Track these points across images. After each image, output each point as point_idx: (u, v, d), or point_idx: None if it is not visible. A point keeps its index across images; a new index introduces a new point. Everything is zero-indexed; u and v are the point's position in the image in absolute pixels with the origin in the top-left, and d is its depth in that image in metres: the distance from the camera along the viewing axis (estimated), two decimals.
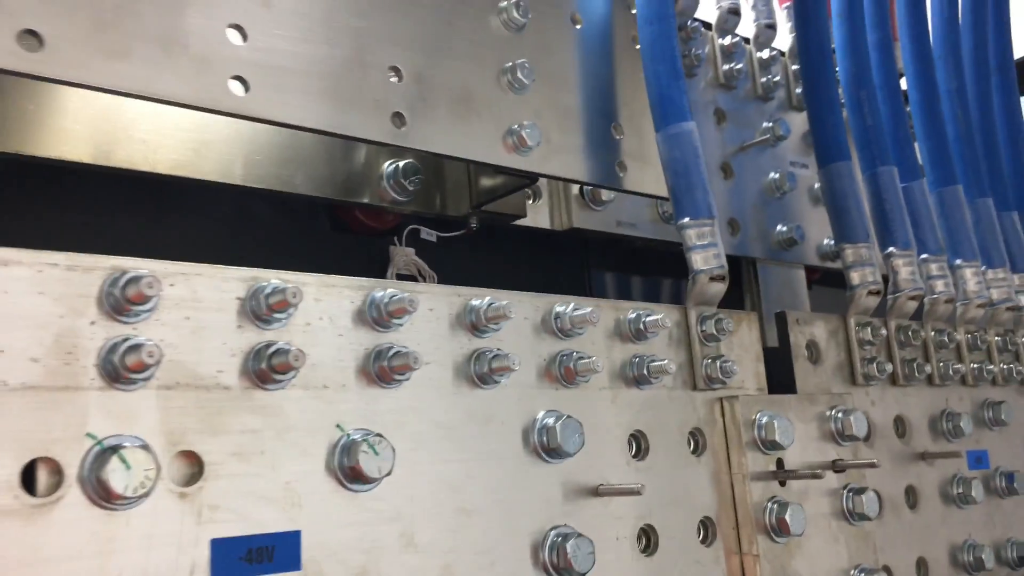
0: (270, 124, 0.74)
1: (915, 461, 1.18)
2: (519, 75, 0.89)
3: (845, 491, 1.01)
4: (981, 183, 1.41)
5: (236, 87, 0.71)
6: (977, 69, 1.49)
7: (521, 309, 0.80)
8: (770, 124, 1.45)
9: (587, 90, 0.99)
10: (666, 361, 0.86)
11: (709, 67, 1.43)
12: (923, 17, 1.38)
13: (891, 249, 1.20)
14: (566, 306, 0.82)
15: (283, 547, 0.60)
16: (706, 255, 0.93)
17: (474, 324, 0.75)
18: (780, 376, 1.07)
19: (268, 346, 0.61)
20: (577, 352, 0.81)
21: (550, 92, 0.94)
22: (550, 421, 0.78)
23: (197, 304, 0.61)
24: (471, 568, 0.71)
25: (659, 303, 0.95)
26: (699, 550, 0.89)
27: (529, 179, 0.95)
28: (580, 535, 0.76)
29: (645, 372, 0.87)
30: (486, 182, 1.01)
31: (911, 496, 1.16)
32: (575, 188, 1.15)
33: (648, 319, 0.87)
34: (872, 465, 1.00)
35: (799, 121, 1.50)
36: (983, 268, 1.38)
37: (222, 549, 0.57)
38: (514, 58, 0.90)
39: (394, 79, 0.81)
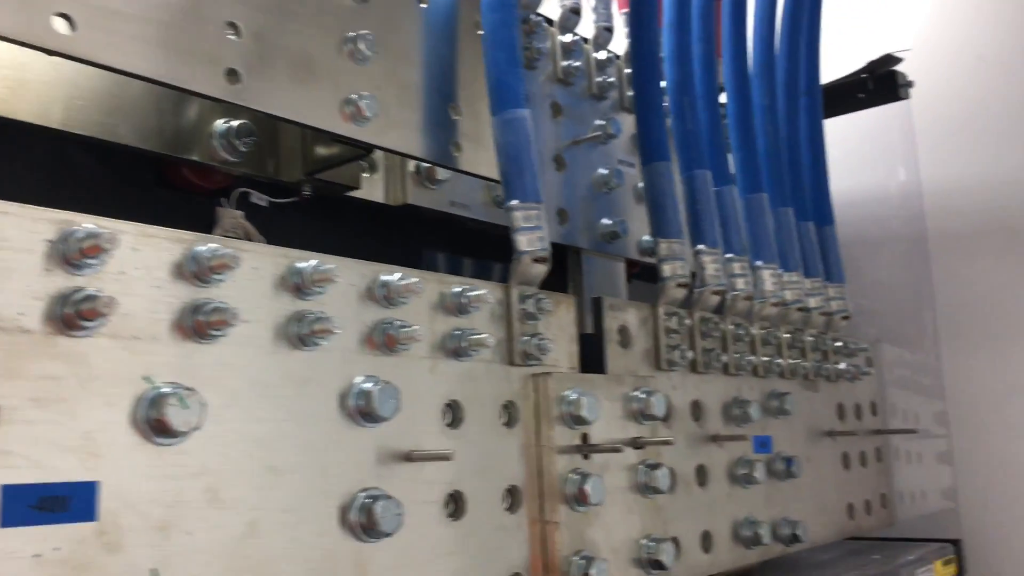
0: (96, 67, 0.71)
1: (707, 443, 1.29)
2: (361, 46, 0.90)
3: (642, 466, 1.09)
4: (784, 193, 1.55)
5: (60, 24, 0.68)
6: (788, 90, 1.63)
7: (347, 275, 0.81)
8: (602, 122, 1.53)
9: (428, 69, 1.01)
10: (485, 335, 0.90)
11: (549, 62, 1.48)
12: (743, 37, 1.50)
13: (700, 247, 1.30)
14: (392, 275, 0.84)
15: (79, 497, 0.59)
16: (531, 237, 0.98)
17: (298, 286, 0.76)
18: (593, 357, 1.13)
19: (76, 291, 0.60)
20: (400, 321, 0.83)
21: (391, 66, 0.95)
22: (368, 386, 0.80)
23: (1, 244, 0.58)
24: (277, 526, 0.72)
25: (486, 281, 0.98)
26: (504, 516, 0.94)
27: (364, 150, 0.96)
28: (389, 497, 0.79)
29: (464, 345, 0.90)
30: (321, 150, 1.01)
31: (701, 474, 1.27)
32: (411, 165, 1.17)
33: (471, 294, 0.91)
34: (667, 443, 1.08)
35: (629, 122, 1.59)
36: (780, 271, 1.52)
37: (13, 495, 0.56)
38: (358, 29, 0.91)
39: (232, 35, 0.80)
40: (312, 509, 0.75)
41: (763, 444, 1.42)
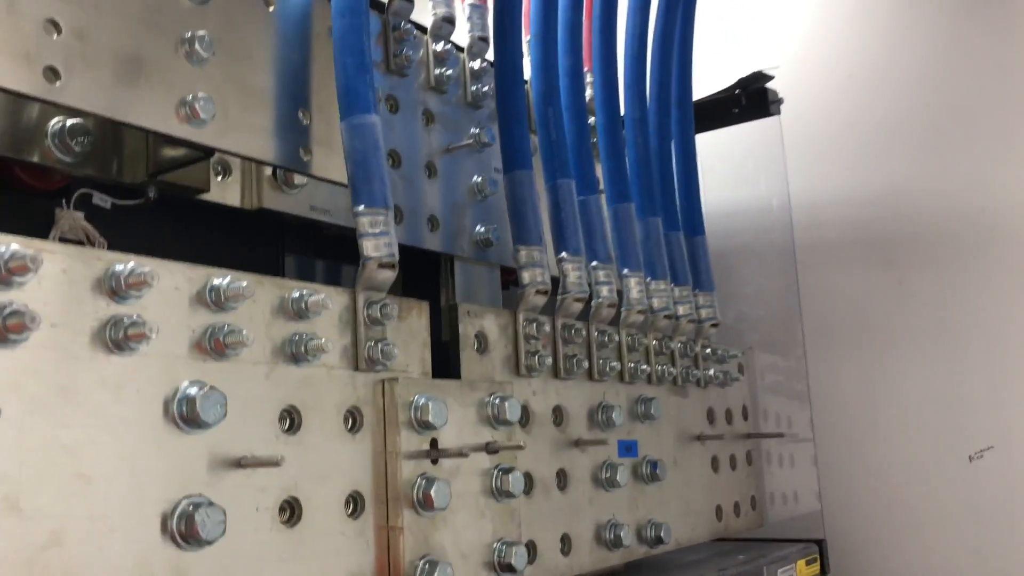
0: None
1: (569, 447, 1.31)
2: (197, 47, 0.89)
3: (496, 471, 1.10)
4: (653, 204, 1.59)
5: None
6: (660, 103, 1.67)
7: (171, 279, 0.80)
8: (477, 131, 1.54)
9: (276, 72, 1.00)
10: (324, 340, 0.90)
11: (422, 69, 1.49)
12: (613, 51, 1.53)
13: (563, 254, 1.32)
14: (223, 279, 0.83)
15: None
16: (377, 242, 0.98)
17: (114, 289, 0.74)
18: (450, 364, 1.14)
19: None
20: (229, 325, 0.82)
21: (233, 68, 0.94)
22: (192, 391, 0.78)
23: None
24: (86, 534, 0.70)
25: (339, 287, 0.98)
26: (345, 523, 0.93)
27: (204, 152, 0.94)
28: (211, 504, 0.78)
29: (303, 350, 0.89)
30: (166, 152, 0.99)
31: (562, 478, 1.29)
32: (268, 169, 1.15)
33: (311, 299, 0.90)
34: (519, 447, 1.09)
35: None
36: (648, 279, 1.56)
37: None
38: (194, 29, 0.90)
39: (52, 33, 0.78)
40: (128, 517, 0.73)
41: (628, 448, 1.45)
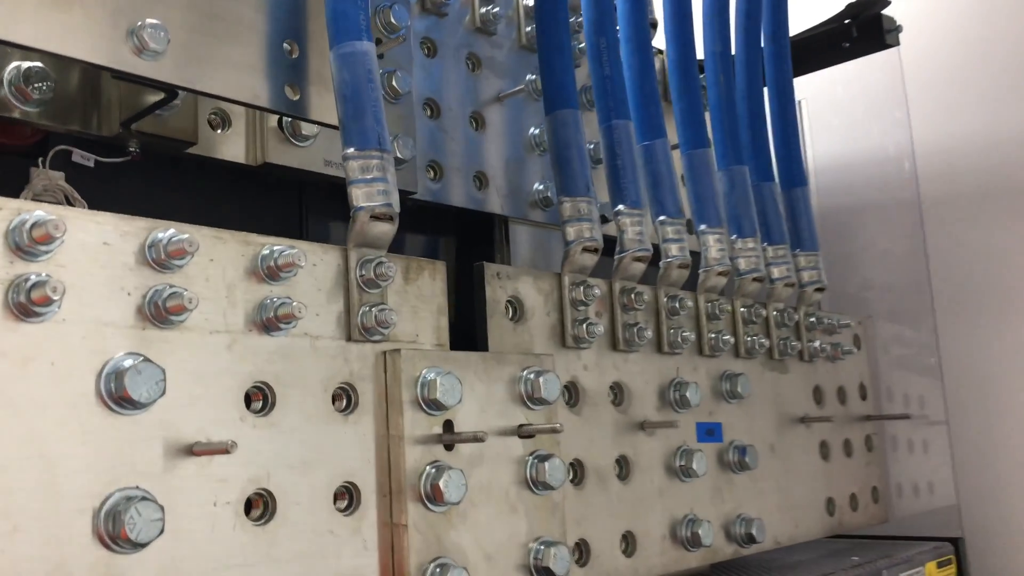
0: None
1: (632, 430, 1.12)
2: None
3: (531, 458, 0.94)
4: (738, 150, 1.37)
5: None
6: (747, 35, 1.45)
7: (101, 234, 0.67)
8: (534, 76, 1.37)
9: (256, 5, 0.87)
10: (295, 303, 0.76)
11: (467, 9, 1.33)
12: None
13: (620, 207, 1.13)
14: (165, 233, 0.70)
15: None
16: (370, 190, 0.83)
17: (20, 246, 0.63)
18: (474, 334, 0.99)
19: None
20: (172, 287, 0.69)
21: None
22: (125, 364, 0.66)
23: None
24: None
25: (325, 243, 0.84)
26: (334, 519, 0.79)
27: (163, 91, 0.82)
28: (145, 498, 0.65)
29: (274, 316, 0.76)
30: (134, 97, 0.88)
31: (623, 466, 1.11)
32: (273, 119, 1.03)
33: (282, 255, 0.76)
34: (554, 430, 0.92)
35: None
36: (732, 237, 1.35)
37: None
38: None
39: None
40: (39, 515, 0.62)
41: (710, 432, 1.25)
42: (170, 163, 1.02)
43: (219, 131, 1.00)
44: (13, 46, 0.70)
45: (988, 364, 1.71)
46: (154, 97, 0.88)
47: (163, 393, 0.67)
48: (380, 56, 1.14)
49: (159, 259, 0.70)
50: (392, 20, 1.10)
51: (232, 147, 1.02)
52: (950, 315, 1.76)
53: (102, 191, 0.96)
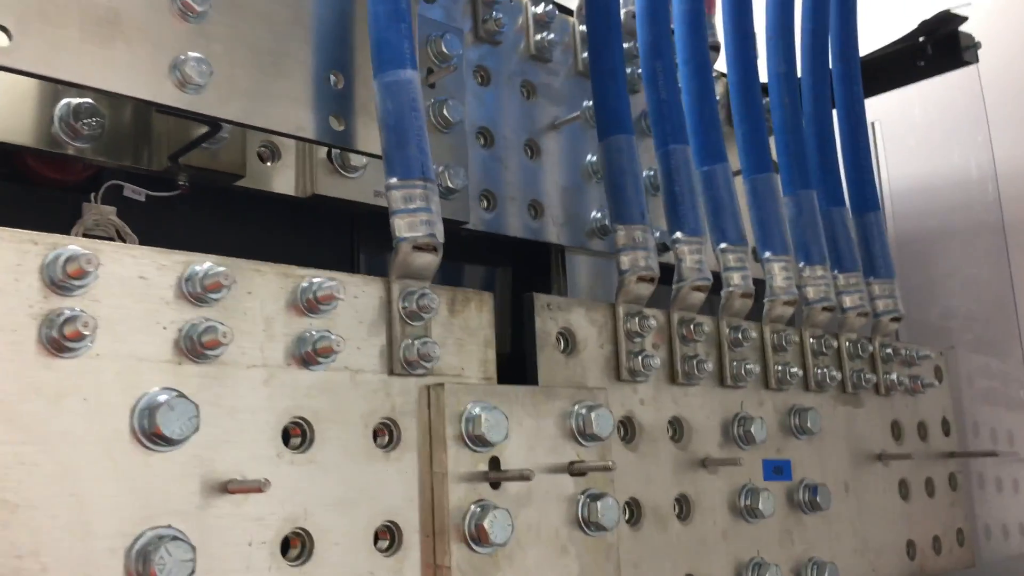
0: None
1: (693, 468, 1.07)
2: (191, 1, 0.77)
3: (583, 497, 0.90)
4: (806, 174, 1.32)
5: None
6: (813, 54, 1.40)
7: (137, 267, 0.67)
8: (589, 103, 1.34)
9: (297, 30, 0.87)
10: (334, 337, 0.74)
11: (521, 36, 1.32)
12: None
13: (677, 234, 1.09)
14: (201, 267, 0.69)
15: None
16: (412, 220, 0.81)
17: (54, 281, 0.62)
18: (526, 367, 0.95)
19: None
20: (207, 321, 0.68)
21: (237, 25, 0.81)
22: (159, 399, 0.65)
23: None
24: (10, 573, 0.58)
25: (368, 276, 0.82)
26: (375, 559, 0.77)
27: (207, 124, 0.82)
28: (177, 538, 0.63)
29: (312, 350, 0.74)
30: (180, 130, 0.88)
31: (683, 506, 1.05)
32: (322, 150, 1.02)
33: (322, 288, 0.75)
34: (606, 467, 0.88)
35: (634, 102, 1.39)
36: (801, 264, 1.29)
37: None
38: None
39: None
40: (68, 553, 0.61)
41: (778, 470, 1.19)
42: (222, 196, 1.02)
43: (269, 163, 1.00)
44: (56, 81, 0.71)
45: None
46: (200, 131, 0.88)
47: (196, 429, 0.66)
48: (432, 86, 1.13)
49: (196, 293, 0.69)
50: (444, 49, 1.10)
51: (282, 179, 1.01)
52: None
53: (154, 225, 0.97)
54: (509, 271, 1.37)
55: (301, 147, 1.02)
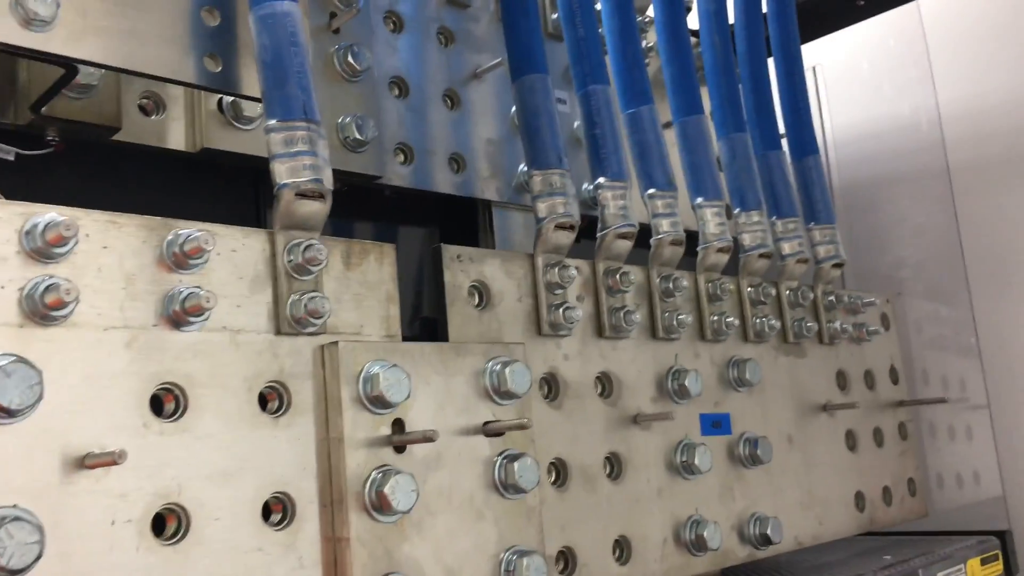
0: None
1: (624, 425, 1.02)
2: None
3: (499, 459, 0.84)
4: (737, 117, 1.26)
5: None
6: None
7: None
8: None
9: None
10: (203, 293, 0.67)
11: None
12: None
13: (600, 180, 1.03)
14: (42, 218, 0.62)
15: None
16: (294, 165, 0.75)
17: None
18: (436, 322, 0.89)
19: None
20: (51, 279, 0.61)
21: None
22: None
23: None
24: None
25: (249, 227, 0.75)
26: (264, 534, 0.70)
27: (62, 66, 0.74)
28: (19, 518, 0.57)
29: (181, 309, 0.67)
30: (38, 76, 0.80)
31: (614, 465, 1.00)
32: (212, 100, 0.95)
33: (189, 240, 0.68)
34: (522, 426, 0.83)
35: (559, 51, 1.33)
36: (737, 210, 1.24)
37: None
38: None
39: None
40: None
41: (716, 424, 1.14)
42: (108, 154, 0.94)
43: (154, 116, 0.92)
44: None
45: None
46: (45, 72, 0.80)
47: (40, 398, 0.59)
48: (336, 31, 1.06)
49: (38, 248, 0.62)
50: None
51: (170, 133, 0.94)
52: (987, 290, 1.62)
53: (30, 188, 0.89)
54: (436, 231, 1.30)
55: (189, 98, 0.94)
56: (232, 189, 1.07)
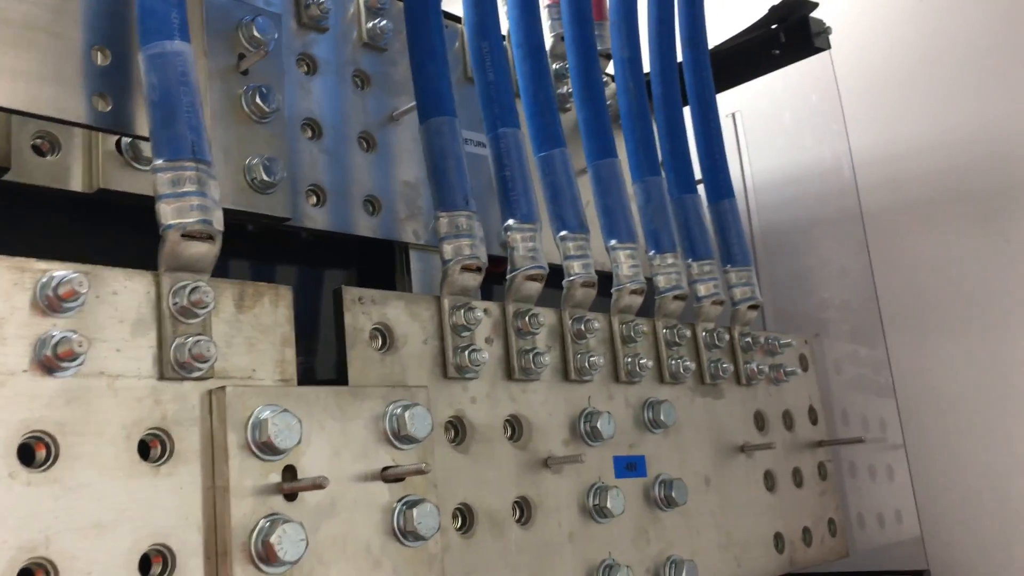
0: None
1: (535, 469, 1.01)
2: None
3: (398, 505, 0.82)
4: (652, 161, 1.28)
5: None
6: (660, 39, 1.37)
7: None
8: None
9: (56, 8, 0.78)
10: (75, 338, 0.65)
11: (353, 24, 1.25)
12: None
13: (510, 221, 1.03)
14: None
15: None
16: (181, 206, 0.73)
17: None
18: (338, 367, 0.88)
19: None
20: None
21: None
22: None
23: None
24: None
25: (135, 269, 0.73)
26: None
27: None
28: None
29: (52, 354, 0.65)
30: None
31: (523, 510, 0.99)
32: (111, 141, 0.93)
33: (62, 283, 0.66)
34: (420, 472, 0.81)
35: (474, 94, 1.33)
36: (651, 253, 1.25)
37: None
38: None
39: None
40: None
41: (630, 466, 1.14)
42: (2, 196, 0.92)
43: (49, 156, 0.90)
44: None
45: (945, 381, 1.60)
46: None
47: None
48: (245, 72, 1.05)
49: None
50: (255, 33, 1.02)
51: (65, 174, 0.91)
52: (901, 331, 1.66)
53: None
54: (354, 273, 1.29)
55: (86, 138, 0.92)
56: (132, 230, 1.04)
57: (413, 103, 1.26)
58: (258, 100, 1.02)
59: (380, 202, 1.20)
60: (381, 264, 1.27)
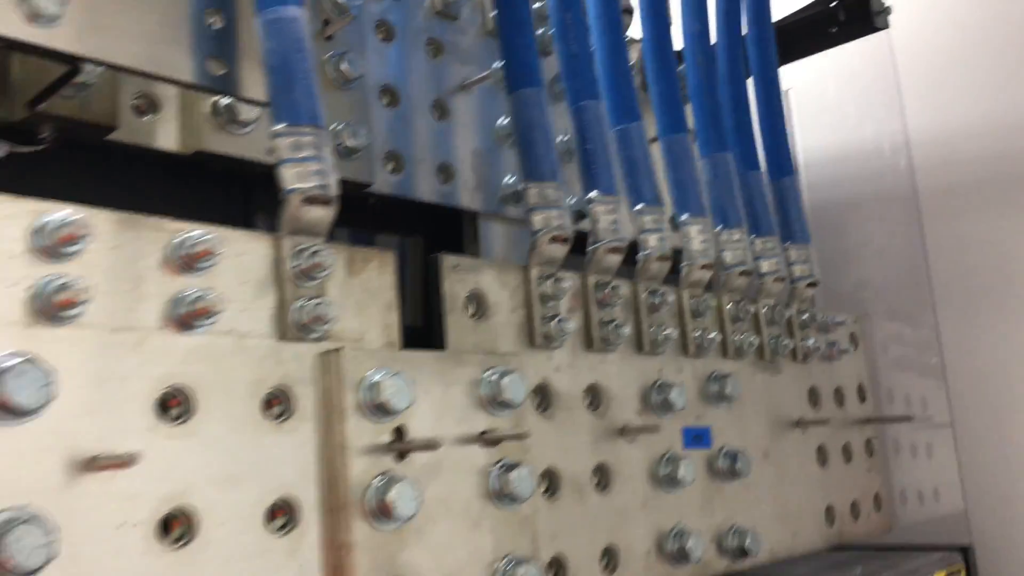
0: None
1: (611, 437, 1.03)
2: None
3: (495, 468, 0.85)
4: (721, 136, 1.29)
5: None
6: (727, 16, 1.37)
7: None
8: (500, 64, 1.29)
9: None
10: (212, 297, 0.67)
11: None
12: None
13: (592, 193, 1.05)
14: (53, 216, 0.61)
15: None
16: (302, 171, 0.75)
17: None
18: (434, 337, 0.90)
19: None
20: (62, 279, 0.60)
21: None
22: (5, 364, 0.57)
23: None
24: None
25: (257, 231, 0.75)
26: (268, 539, 0.70)
27: (64, 62, 0.73)
28: (28, 521, 0.56)
29: (189, 312, 0.67)
30: (35, 72, 0.79)
31: (602, 476, 1.01)
32: (207, 103, 0.94)
33: (198, 243, 0.68)
34: (519, 436, 0.83)
35: (548, 65, 1.34)
36: (719, 228, 1.26)
37: None
38: None
39: None
40: None
41: (698, 437, 1.16)
42: (98, 153, 0.93)
43: (147, 117, 0.91)
44: None
45: (993, 362, 1.62)
46: (43, 68, 0.79)
47: (52, 398, 0.58)
48: (329, 38, 1.06)
49: (47, 246, 0.61)
50: None
51: (163, 134, 0.93)
52: (951, 312, 1.67)
53: (20, 184, 0.87)
54: (420, 240, 1.31)
55: (184, 99, 0.93)
56: (222, 193, 1.06)
57: (485, 73, 1.27)
58: (343, 66, 1.03)
59: (453, 169, 1.21)
60: (447, 232, 1.28)
